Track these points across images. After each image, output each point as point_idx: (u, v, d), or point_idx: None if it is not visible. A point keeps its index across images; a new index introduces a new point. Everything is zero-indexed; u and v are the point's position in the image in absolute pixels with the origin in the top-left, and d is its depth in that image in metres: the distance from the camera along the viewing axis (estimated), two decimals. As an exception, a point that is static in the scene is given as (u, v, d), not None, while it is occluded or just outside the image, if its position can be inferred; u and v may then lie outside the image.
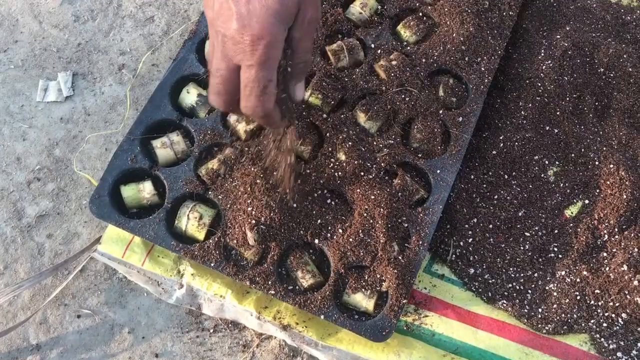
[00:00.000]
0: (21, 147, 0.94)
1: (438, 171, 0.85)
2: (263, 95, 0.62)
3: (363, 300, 0.78)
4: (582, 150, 0.92)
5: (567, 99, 0.95)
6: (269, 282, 0.78)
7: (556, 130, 0.93)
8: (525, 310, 0.83)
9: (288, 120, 0.72)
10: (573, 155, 0.92)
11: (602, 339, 0.82)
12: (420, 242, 0.81)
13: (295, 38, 0.63)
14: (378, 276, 0.79)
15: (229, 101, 0.66)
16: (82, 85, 0.98)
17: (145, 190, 0.82)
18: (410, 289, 0.79)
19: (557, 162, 0.92)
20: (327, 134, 0.86)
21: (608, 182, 0.89)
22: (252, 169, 0.82)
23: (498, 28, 0.94)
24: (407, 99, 0.88)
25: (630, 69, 0.96)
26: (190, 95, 0.88)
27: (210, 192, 0.82)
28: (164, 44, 1.02)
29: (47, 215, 0.90)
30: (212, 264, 0.78)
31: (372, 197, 0.81)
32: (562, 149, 0.92)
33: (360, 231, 0.80)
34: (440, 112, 0.88)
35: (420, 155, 0.87)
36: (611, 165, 0.89)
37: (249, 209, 0.79)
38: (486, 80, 0.90)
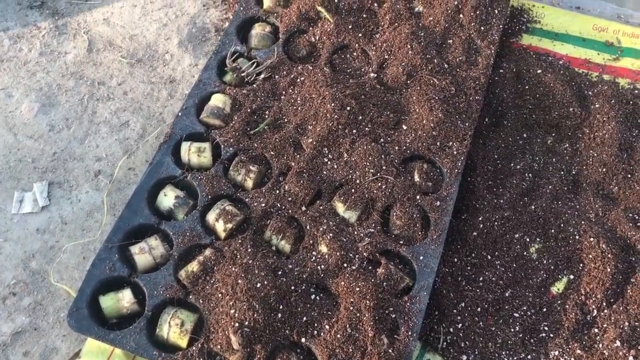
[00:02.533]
0: (-4, 262, 0.92)
1: (421, 257, 0.84)
2: None
3: (355, 398, 0.76)
4: (561, 225, 0.92)
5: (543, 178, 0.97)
6: None
7: (533, 207, 0.94)
8: (523, 396, 0.81)
9: None
10: (553, 230, 0.92)
11: (604, 421, 0.79)
12: (410, 333, 0.79)
13: None
14: None
15: None
16: (58, 194, 0.97)
17: (124, 299, 0.80)
18: None
19: (538, 239, 0.92)
20: (307, 227, 0.86)
21: (590, 256, 0.89)
22: (233, 268, 0.80)
23: (466, 112, 0.96)
24: (383, 186, 0.89)
25: (593, 145, 1.00)
26: (167, 198, 0.87)
27: (191, 296, 0.80)
28: (140, 147, 1.02)
29: (23, 331, 0.87)
30: None
31: (357, 289, 0.80)
32: (542, 225, 0.93)
33: (347, 326, 0.78)
34: (418, 197, 0.89)
35: (401, 242, 0.86)
36: (591, 239, 0.89)
37: (232, 311, 0.77)
38: (459, 163, 0.92)
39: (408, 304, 0.81)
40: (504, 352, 0.84)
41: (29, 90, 1.07)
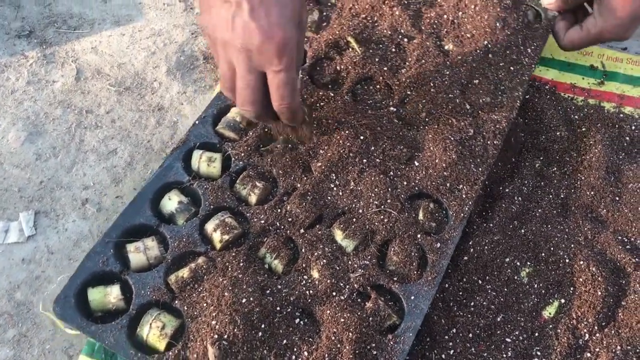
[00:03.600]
0: (-20, 293, 0.90)
1: (412, 297, 0.83)
2: (293, 92, 0.73)
3: None
4: (551, 248, 0.92)
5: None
6: None
7: (523, 231, 0.94)
8: (517, 423, 0.80)
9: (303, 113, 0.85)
10: (543, 254, 0.92)
11: None
12: None
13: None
14: None
15: (261, 108, 0.75)
16: (44, 223, 0.96)
17: (111, 295, 0.81)
18: None
19: (528, 263, 0.92)
20: (303, 250, 0.85)
21: (581, 280, 0.89)
22: (222, 280, 0.80)
23: (481, 157, 0.95)
24: (385, 220, 0.88)
25: (581, 168, 1.00)
26: (171, 202, 0.88)
27: (177, 301, 0.80)
28: (128, 175, 1.02)
29: (7, 364, 0.85)
30: None
31: (342, 319, 0.79)
32: (532, 249, 0.93)
33: (326, 355, 0.77)
34: (419, 236, 0.88)
35: (395, 278, 0.85)
36: (581, 262, 0.89)
37: (213, 322, 0.77)
38: (466, 208, 0.90)
39: (392, 342, 0.80)
40: (496, 379, 0.83)
41: (16, 119, 1.07)
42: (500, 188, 0.99)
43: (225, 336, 0.76)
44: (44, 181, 1.00)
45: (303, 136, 0.92)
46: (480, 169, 0.94)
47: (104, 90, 1.11)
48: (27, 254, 0.94)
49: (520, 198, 0.98)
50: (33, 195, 0.99)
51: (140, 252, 0.84)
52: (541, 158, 1.04)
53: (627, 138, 1.05)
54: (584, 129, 1.04)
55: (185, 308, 0.80)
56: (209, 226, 0.86)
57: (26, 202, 0.98)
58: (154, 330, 0.78)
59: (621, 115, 1.08)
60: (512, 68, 1.03)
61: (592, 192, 0.97)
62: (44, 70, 1.13)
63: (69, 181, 1.01)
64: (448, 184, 0.92)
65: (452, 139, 0.95)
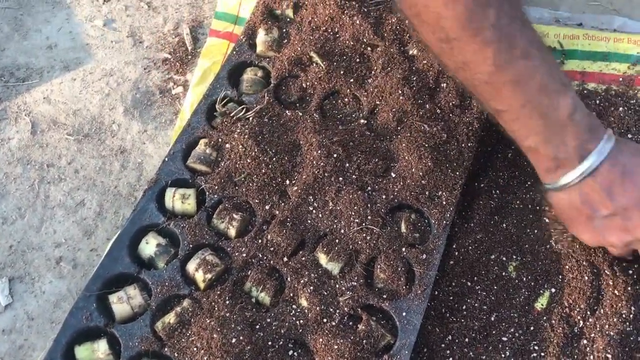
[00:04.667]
0: (-36, 371, 0.88)
1: (404, 313, 0.82)
2: None
3: None
4: (534, 239, 0.92)
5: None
6: None
7: (505, 225, 0.94)
8: (524, 423, 0.80)
9: None
10: (527, 246, 0.92)
11: None
12: None
13: None
14: None
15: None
16: (20, 289, 0.94)
17: (99, 351, 0.79)
18: None
19: (514, 257, 0.92)
20: (288, 279, 0.84)
21: (567, 266, 0.88)
22: (209, 321, 0.78)
23: (457, 160, 0.93)
24: (368, 237, 0.87)
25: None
26: (149, 246, 0.86)
27: (166, 349, 0.79)
28: (99, 225, 1.00)
29: None
30: None
31: (335, 347, 0.78)
32: (516, 242, 0.92)
33: None
34: (403, 249, 0.86)
35: (385, 296, 0.84)
36: (564, 249, 0.89)
37: None
38: (448, 215, 0.89)
39: (388, 364, 0.79)
40: (498, 380, 0.83)
41: (-25, 183, 1.04)
42: (476, 184, 0.99)
43: None
44: (14, 245, 0.98)
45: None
46: (457, 173, 0.93)
47: (62, 141, 1.08)
48: (7, 324, 0.91)
49: (497, 191, 0.97)
50: (4, 262, 0.96)
51: (123, 302, 0.82)
52: (513, 147, 1.03)
53: (594, 113, 1.05)
54: (550, 112, 1.04)
55: (176, 355, 0.78)
56: (191, 266, 0.84)
57: (-3, 270, 0.96)
58: None
59: (585, 92, 1.07)
60: None
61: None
62: (-2, 128, 1.10)
63: (39, 241, 0.98)
64: (427, 192, 0.91)
65: (427, 145, 0.93)
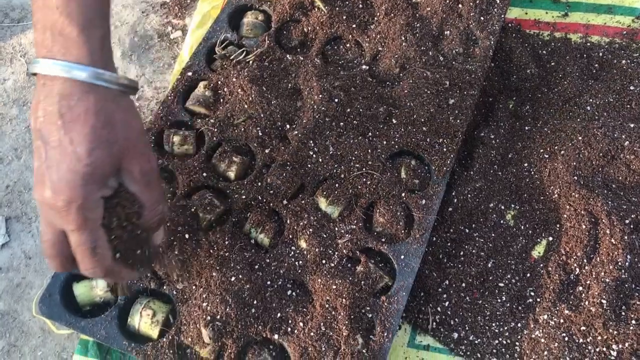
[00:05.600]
0: (-38, 308, 0.88)
1: (402, 256, 0.82)
2: (94, 256, 0.60)
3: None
4: (533, 188, 0.92)
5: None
6: None
7: (504, 174, 0.93)
8: (518, 364, 0.81)
9: (146, 267, 0.69)
10: (526, 195, 0.92)
11: (601, 377, 0.80)
12: (385, 334, 0.77)
13: (136, 193, 0.62)
14: None
15: (64, 262, 0.62)
16: (17, 228, 0.93)
17: (98, 287, 0.79)
18: None
19: (512, 205, 0.92)
20: (288, 221, 0.84)
21: (565, 215, 0.89)
22: (209, 261, 0.79)
23: (459, 108, 0.93)
24: (368, 182, 0.86)
25: (552, 103, 0.99)
26: None
27: (165, 287, 0.79)
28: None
29: (1, 376, 0.84)
30: None
31: (334, 287, 0.78)
32: (515, 191, 0.92)
33: (321, 324, 0.77)
34: (403, 195, 0.86)
35: (383, 240, 0.84)
36: (563, 198, 0.89)
37: (204, 304, 0.76)
38: (448, 161, 0.89)
39: (385, 303, 0.79)
40: (494, 324, 0.84)
41: (-29, 124, 1.02)
42: (475, 133, 0.98)
43: (218, 317, 0.75)
44: (10, 185, 0.97)
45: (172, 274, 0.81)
46: (458, 121, 0.92)
47: (58, 83, 1.06)
48: (4, 262, 0.91)
49: (497, 141, 0.97)
50: (1, 201, 0.95)
51: None
52: (514, 98, 1.03)
53: (596, 65, 1.04)
54: (553, 64, 1.03)
55: (175, 292, 0.78)
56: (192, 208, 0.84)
57: (-7, 210, 0.95)
58: (145, 319, 0.77)
59: (588, 44, 1.06)
60: (482, 18, 1.01)
61: (566, 128, 0.97)
62: (-7, 69, 1.08)
63: (36, 182, 0.97)
64: (428, 139, 0.91)
65: (429, 92, 0.93)
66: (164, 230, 0.69)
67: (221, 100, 0.92)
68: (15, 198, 0.96)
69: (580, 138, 0.94)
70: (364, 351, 0.76)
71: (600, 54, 1.05)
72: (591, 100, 0.98)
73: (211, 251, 0.80)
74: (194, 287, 0.78)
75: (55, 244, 0.60)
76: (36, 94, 0.58)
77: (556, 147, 0.94)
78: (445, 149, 0.90)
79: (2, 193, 0.96)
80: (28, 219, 0.94)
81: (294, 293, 0.80)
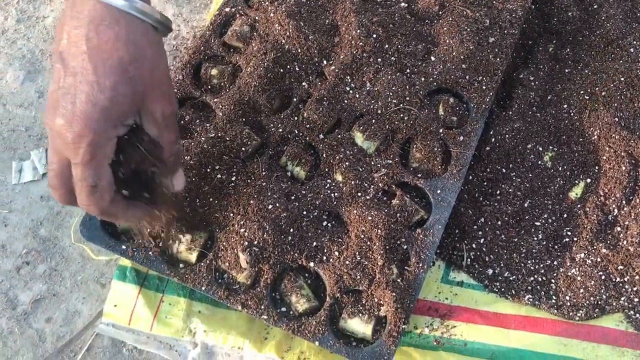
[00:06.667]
0: (4, 234, 0.90)
1: (438, 191, 0.82)
2: (93, 194, 0.58)
3: (360, 326, 0.75)
4: (572, 130, 0.90)
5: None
6: (262, 307, 0.75)
7: (543, 116, 0.92)
8: (553, 301, 0.81)
9: (165, 212, 0.69)
10: (564, 137, 0.91)
11: (637, 315, 0.79)
12: (420, 265, 0.77)
13: (154, 134, 0.60)
14: (376, 300, 0.75)
15: (66, 195, 0.60)
16: (57, 159, 0.95)
17: None
18: (410, 313, 0.75)
19: (550, 147, 0.91)
20: (324, 155, 0.84)
21: (604, 157, 0.87)
22: (246, 189, 0.79)
23: (499, 46, 0.91)
24: (405, 118, 0.86)
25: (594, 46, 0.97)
26: None
27: (203, 220, 0.80)
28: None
29: (42, 298, 0.86)
30: (203, 288, 0.75)
31: (369, 218, 0.78)
32: (553, 133, 0.91)
33: (357, 253, 0.77)
34: (441, 131, 0.86)
35: (419, 175, 0.84)
36: (602, 139, 0.88)
37: (242, 230, 0.77)
38: (487, 99, 0.88)
39: (421, 236, 0.79)
40: (529, 261, 0.83)
41: (12, 58, 1.03)
42: (514, 74, 0.97)
43: (256, 242, 0.76)
44: (50, 118, 0.98)
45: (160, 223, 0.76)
46: (498, 60, 0.91)
47: (97, 21, 1.07)
48: (45, 191, 0.93)
49: (537, 83, 0.95)
50: (41, 133, 0.97)
51: None
52: (554, 41, 1.01)
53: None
54: (595, 7, 1.01)
55: (212, 219, 0.79)
56: None
57: (35, 140, 0.96)
58: (184, 244, 0.77)
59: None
60: None
61: (608, 70, 0.94)
62: (32, 7, 1.09)
63: (75, 115, 0.99)
64: (467, 77, 0.89)
65: (469, 30, 0.91)
66: (183, 177, 0.68)
67: (258, 35, 0.92)
68: (55, 131, 0.97)
69: (622, 79, 0.92)
70: (398, 280, 0.76)
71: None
72: (635, 42, 0.95)
73: (249, 181, 0.81)
74: (231, 214, 0.79)
75: (59, 175, 0.58)
76: (63, 16, 0.56)
77: (597, 89, 0.92)
78: (484, 87, 0.89)
79: (42, 125, 0.98)
80: (68, 151, 0.95)
81: (329, 224, 0.81)
